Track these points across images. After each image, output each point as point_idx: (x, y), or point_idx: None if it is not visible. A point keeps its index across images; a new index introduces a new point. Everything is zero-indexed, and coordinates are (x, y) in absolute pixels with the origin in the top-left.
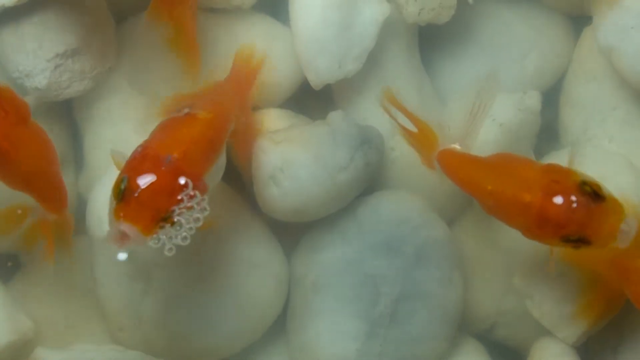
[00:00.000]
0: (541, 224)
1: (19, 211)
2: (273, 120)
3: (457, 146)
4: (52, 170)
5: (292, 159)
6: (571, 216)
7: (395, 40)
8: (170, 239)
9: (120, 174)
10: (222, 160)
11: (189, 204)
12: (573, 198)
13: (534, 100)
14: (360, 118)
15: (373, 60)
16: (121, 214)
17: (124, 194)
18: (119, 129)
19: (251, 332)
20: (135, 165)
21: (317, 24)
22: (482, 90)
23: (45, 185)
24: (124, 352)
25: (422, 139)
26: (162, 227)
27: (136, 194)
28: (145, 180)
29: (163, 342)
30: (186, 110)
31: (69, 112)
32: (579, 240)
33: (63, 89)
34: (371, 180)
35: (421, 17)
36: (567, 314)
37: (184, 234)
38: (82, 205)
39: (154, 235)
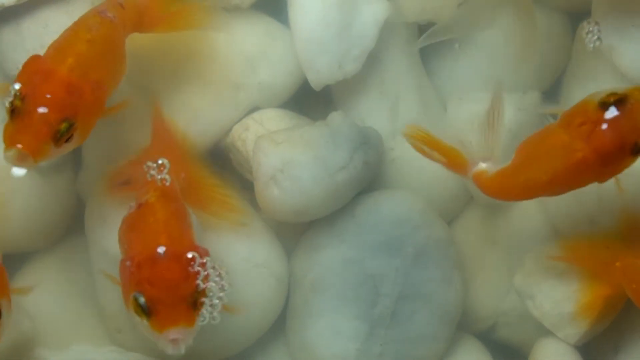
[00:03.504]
0: (608, 161)
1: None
2: (273, 120)
3: (485, 165)
4: None
5: (293, 159)
6: (623, 132)
7: (395, 40)
8: (213, 307)
9: (130, 291)
10: (194, 218)
11: (206, 272)
12: (608, 117)
13: (533, 100)
14: (360, 118)
15: (372, 60)
16: (159, 328)
17: (149, 308)
18: (117, 129)
19: (251, 332)
20: (146, 275)
21: (317, 23)
22: (493, 99)
23: None
24: (123, 354)
25: (451, 164)
26: (202, 305)
27: (164, 301)
28: (165, 283)
29: None
30: (136, 203)
31: None
32: None
33: None
34: (370, 180)
35: (422, 16)
36: (568, 314)
37: (219, 295)
38: (81, 207)
39: (198, 317)
